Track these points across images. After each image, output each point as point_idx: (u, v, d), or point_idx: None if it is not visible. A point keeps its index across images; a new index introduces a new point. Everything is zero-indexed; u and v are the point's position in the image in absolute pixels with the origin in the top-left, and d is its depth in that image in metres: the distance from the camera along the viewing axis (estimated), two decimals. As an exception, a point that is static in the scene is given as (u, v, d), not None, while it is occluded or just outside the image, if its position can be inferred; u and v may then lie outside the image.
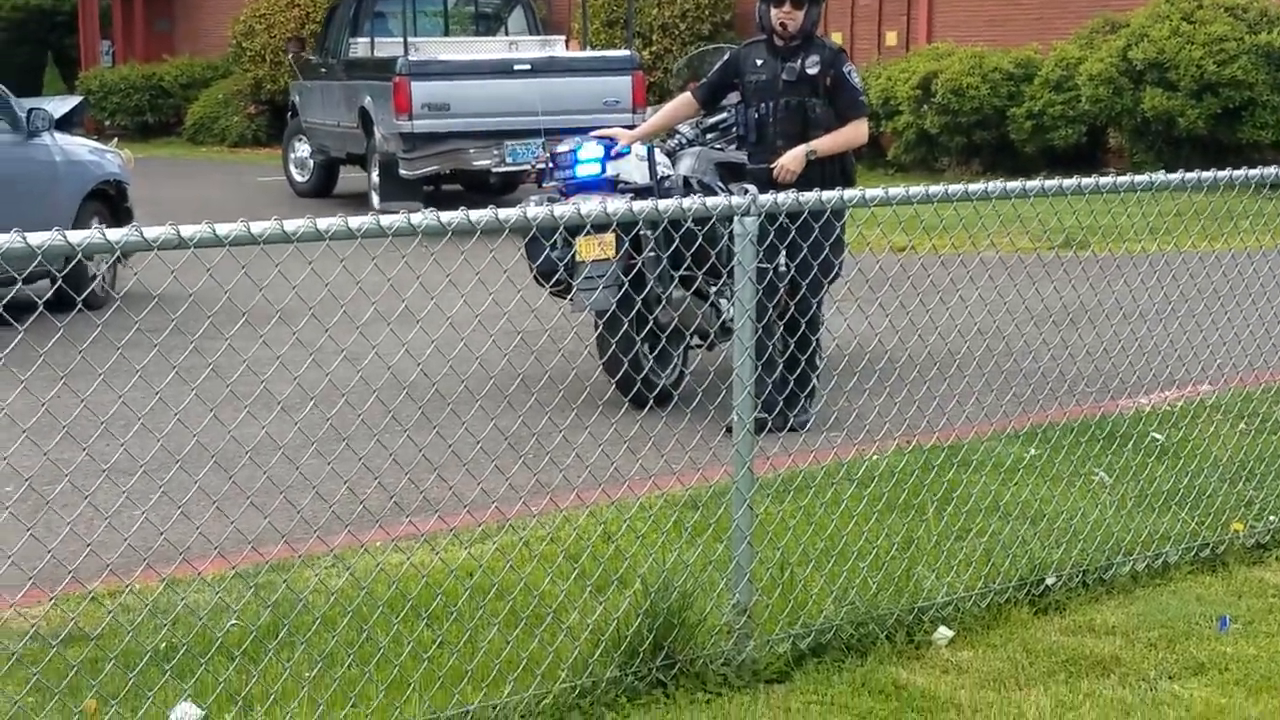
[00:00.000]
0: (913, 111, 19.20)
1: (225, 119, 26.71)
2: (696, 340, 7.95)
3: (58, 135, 10.85)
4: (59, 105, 11.33)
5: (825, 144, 7.22)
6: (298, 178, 19.04)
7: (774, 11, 7.23)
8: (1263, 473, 5.98)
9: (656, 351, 7.49)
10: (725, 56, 7.65)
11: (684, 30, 22.33)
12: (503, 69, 15.68)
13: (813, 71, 7.24)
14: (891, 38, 21.99)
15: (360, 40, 17.34)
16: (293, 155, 19.12)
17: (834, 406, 7.12)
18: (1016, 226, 9.63)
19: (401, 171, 15.48)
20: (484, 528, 5.25)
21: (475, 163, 15.47)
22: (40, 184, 10.50)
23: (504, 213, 3.86)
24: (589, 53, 18.18)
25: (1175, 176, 5.16)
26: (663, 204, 4.09)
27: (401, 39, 16.32)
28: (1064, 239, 12.50)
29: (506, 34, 18.13)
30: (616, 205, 4.04)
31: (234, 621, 4.41)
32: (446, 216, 3.75)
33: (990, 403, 6.30)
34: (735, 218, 4.09)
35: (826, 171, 7.25)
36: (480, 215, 3.75)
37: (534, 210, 3.92)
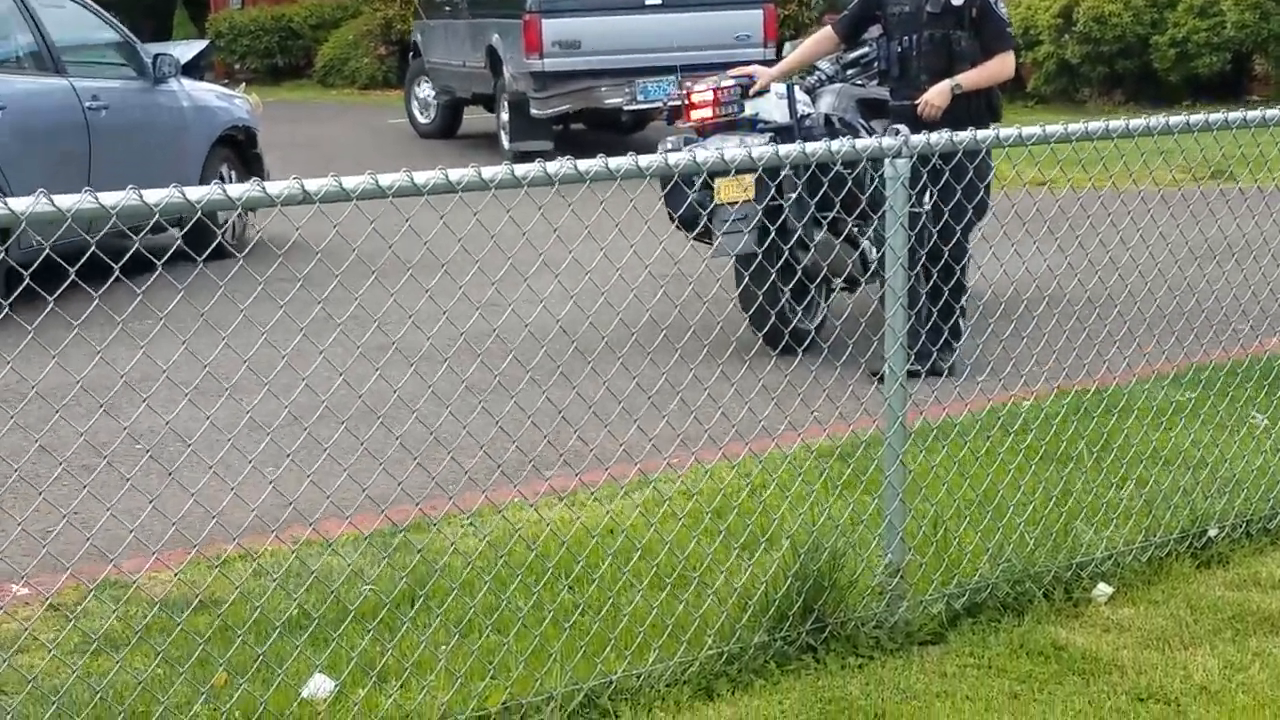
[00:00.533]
0: (1053, 41, 18.63)
1: (355, 60, 26.57)
2: (840, 283, 7.71)
3: (185, 81, 10.71)
4: (185, 50, 11.17)
5: (971, 78, 6.93)
6: (421, 119, 18.86)
7: (919, -59, 6.95)
8: None
9: (800, 296, 7.26)
10: (867, -13, 7.36)
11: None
12: (633, 5, 15.43)
13: (958, 3, 6.94)
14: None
15: None
16: (416, 96, 18.93)
17: (984, 351, 6.85)
18: (1159, 161, 9.23)
19: (533, 111, 15.30)
20: (626, 485, 5.09)
21: (607, 101, 15.26)
22: (168, 131, 10.36)
23: (644, 159, 3.66)
24: None
25: None
26: (810, 147, 3.87)
27: None
28: (1211, 171, 12.06)
29: None
30: (761, 149, 3.83)
31: (368, 587, 4.30)
32: (584, 165, 3.56)
33: (1142, 342, 5.99)
34: (886, 160, 3.87)
35: (973, 106, 6.97)
36: (619, 162, 3.56)
37: (675, 155, 3.72)
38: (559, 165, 3.52)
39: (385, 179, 3.32)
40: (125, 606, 4.28)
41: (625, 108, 15.37)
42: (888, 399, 4.02)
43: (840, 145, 3.80)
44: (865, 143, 3.86)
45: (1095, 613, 4.31)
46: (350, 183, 3.28)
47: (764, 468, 5.01)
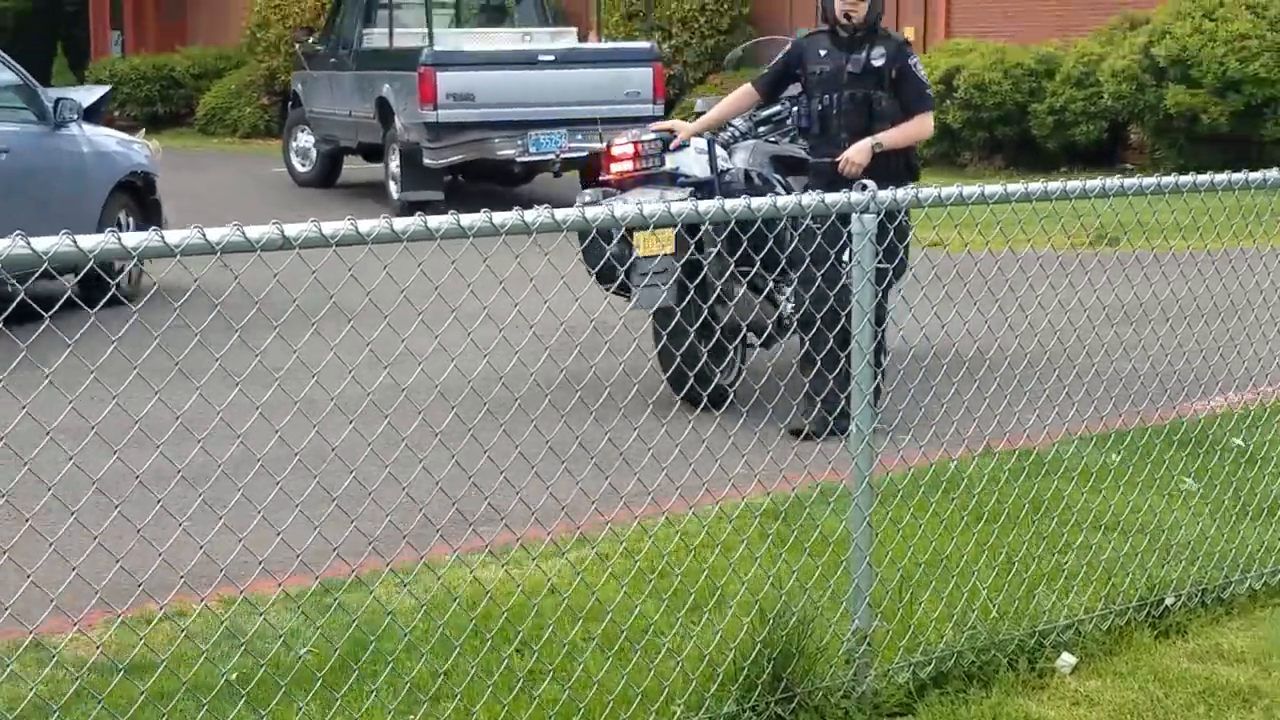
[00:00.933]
0: (936, 106, 18.90)
1: (238, 109, 26.31)
2: (753, 337, 7.68)
3: (85, 126, 10.50)
4: (87, 95, 10.94)
5: (891, 137, 6.96)
6: (299, 167, 18.88)
7: (839, 2, 6.97)
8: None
9: (718, 353, 7.22)
10: (787, 47, 7.38)
11: (703, 24, 22.05)
12: (527, 60, 15.71)
13: (878, 63, 6.98)
14: (909, 32, 21.71)
15: (375, 30, 17.24)
16: (294, 144, 18.97)
17: (902, 413, 6.84)
18: (1048, 223, 9.33)
19: (426, 161, 15.45)
20: (557, 540, 4.96)
21: (500, 152, 15.47)
22: (68, 176, 10.15)
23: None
24: (610, 44, 18.17)
25: (1220, 178, 4.85)
26: (781, 201, 3.80)
27: (417, 29, 16.36)
28: (1097, 236, 12.27)
29: (514, 25, 18.06)
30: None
31: (305, 650, 4.12)
32: (499, 218, 3.44)
33: (1061, 407, 6.00)
34: (854, 215, 3.82)
35: (892, 165, 6.99)
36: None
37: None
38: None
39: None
40: (52, 669, 4.05)
41: (517, 159, 15.54)
42: (854, 457, 3.96)
43: (810, 200, 3.75)
44: (834, 197, 3.81)
45: (1061, 684, 4.24)
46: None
47: (707, 530, 4.92)
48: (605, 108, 14.63)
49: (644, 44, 16.85)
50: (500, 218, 3.44)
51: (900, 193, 3.93)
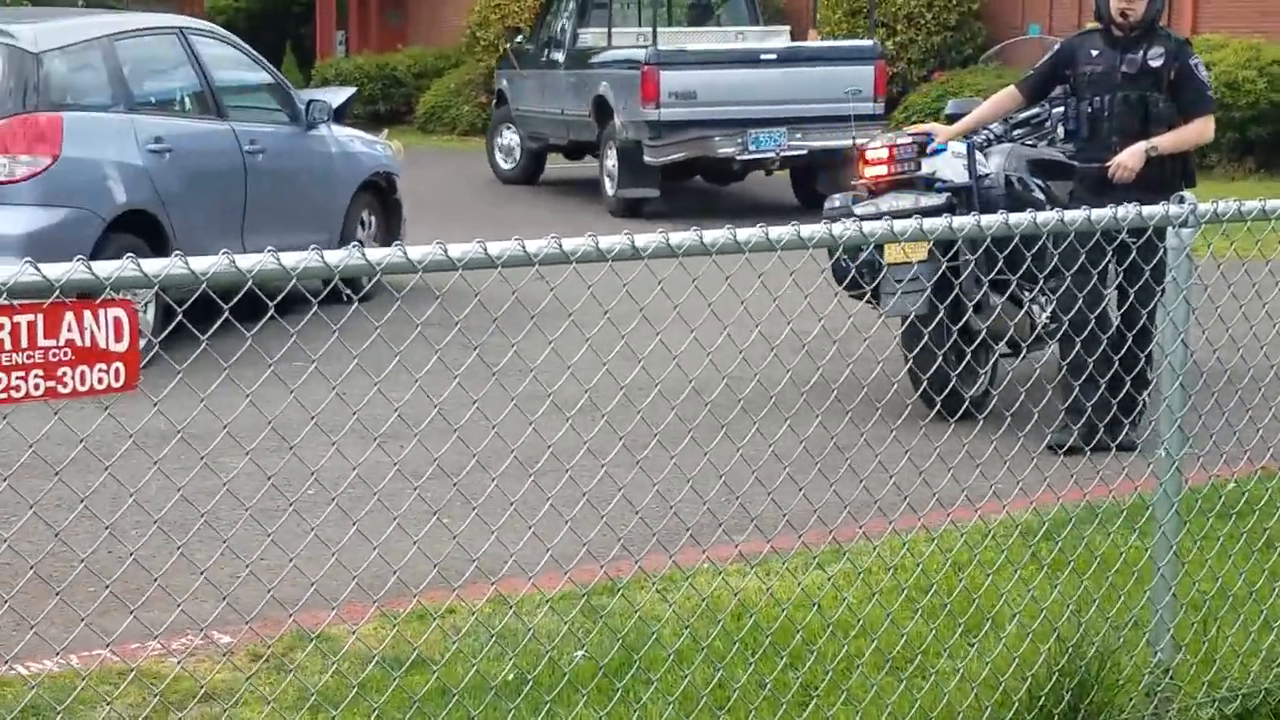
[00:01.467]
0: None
1: (456, 108, 26.73)
2: (1006, 349, 7.47)
3: (334, 126, 10.73)
4: (335, 96, 11.21)
5: (1168, 141, 6.67)
6: (503, 165, 19.21)
7: (1113, 1, 6.71)
8: None
9: (969, 360, 7.04)
10: (1056, 46, 7.13)
11: (929, 20, 21.60)
12: (748, 58, 15.77)
13: (1156, 64, 6.69)
14: (1152, 29, 21.01)
15: (591, 30, 17.52)
16: (499, 142, 19.33)
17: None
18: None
19: (646, 158, 15.60)
20: (809, 546, 4.83)
21: (720, 150, 15.53)
22: (319, 176, 10.37)
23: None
24: (832, 42, 18.03)
25: None
26: (1070, 215, 3.62)
27: (630, 29, 16.75)
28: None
29: (721, 24, 18.18)
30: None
31: (581, 653, 4.10)
32: (743, 234, 3.40)
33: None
34: (1170, 229, 3.63)
35: (1167, 171, 6.71)
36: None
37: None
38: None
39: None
40: (341, 661, 4.08)
41: (737, 158, 15.62)
42: (1162, 484, 3.77)
43: (1126, 212, 3.56)
44: (1151, 210, 3.62)
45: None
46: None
47: (966, 541, 4.75)
48: (826, 106, 14.78)
49: (865, 42, 16.73)
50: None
51: (1222, 205, 3.72)
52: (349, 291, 3.59)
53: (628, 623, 4.25)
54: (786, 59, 15.73)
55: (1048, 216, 3.51)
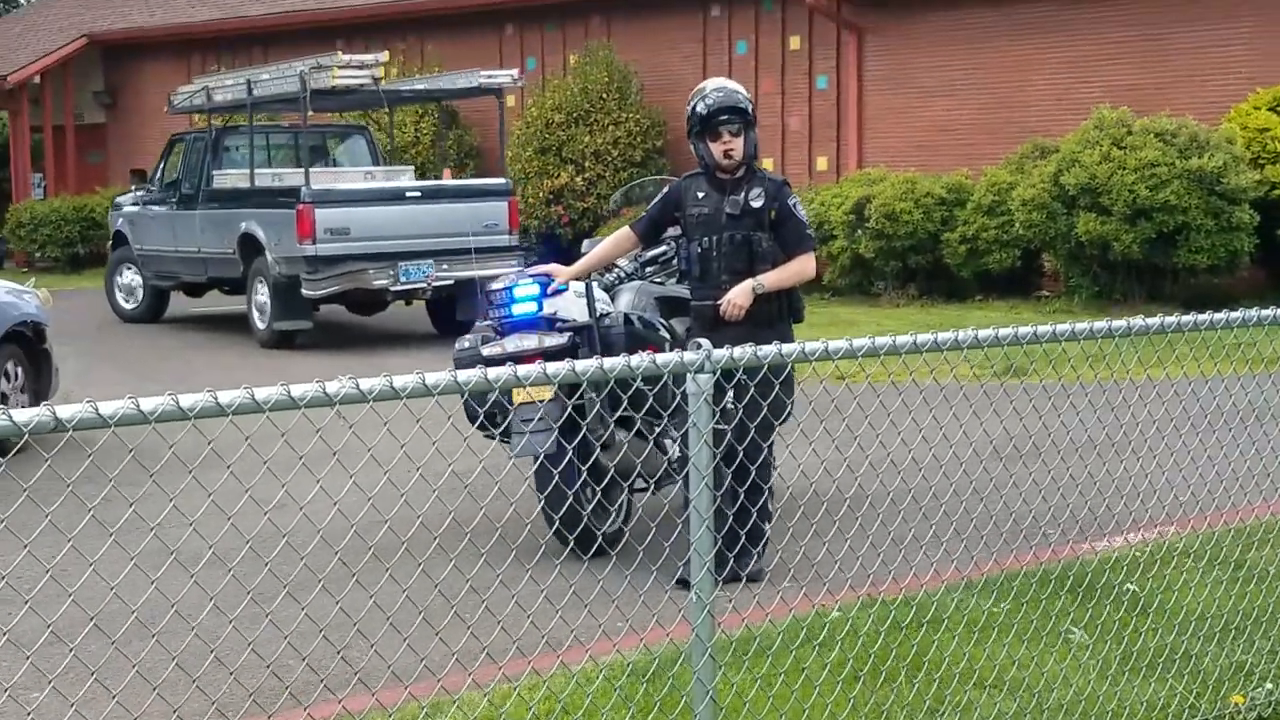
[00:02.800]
0: (847, 236, 19.04)
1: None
2: (641, 484, 7.53)
3: (-24, 277, 10.37)
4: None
5: (773, 279, 6.85)
6: (125, 304, 19.72)
7: (714, 146, 6.90)
8: (1250, 631, 5.56)
9: (599, 496, 7.08)
10: (665, 190, 7.29)
11: (616, 156, 22.12)
12: (395, 195, 16.93)
13: (757, 204, 6.90)
14: (822, 163, 21.90)
15: (229, 171, 18.26)
16: (119, 281, 19.79)
17: (782, 554, 6.68)
18: (952, 356, 9.30)
19: (305, 291, 16.40)
20: (426, 703, 4.72)
21: (375, 282, 16.51)
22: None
23: (431, 377, 3.42)
24: (470, 180, 19.55)
25: (1153, 321, 4.74)
26: (608, 363, 3.66)
27: (265, 170, 18.00)
28: (1005, 366, 12.24)
29: (335, 165, 19.24)
30: (557, 367, 3.61)
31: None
32: (366, 384, 3.31)
33: (949, 546, 5.84)
34: (689, 375, 3.68)
35: (774, 307, 6.90)
36: (405, 381, 3.32)
37: (465, 374, 3.48)
38: (338, 385, 3.26)
39: (186, 400, 3.03)
40: None
41: (391, 289, 16.63)
42: (695, 628, 3.77)
43: (640, 361, 3.60)
44: (666, 358, 3.67)
45: None
46: (148, 405, 2.99)
47: (577, 683, 4.70)
48: (466, 239, 15.85)
49: (500, 180, 17.83)
50: (367, 384, 3.33)
51: (738, 352, 3.79)
52: None
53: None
54: (430, 195, 17.04)
55: (585, 365, 3.52)
